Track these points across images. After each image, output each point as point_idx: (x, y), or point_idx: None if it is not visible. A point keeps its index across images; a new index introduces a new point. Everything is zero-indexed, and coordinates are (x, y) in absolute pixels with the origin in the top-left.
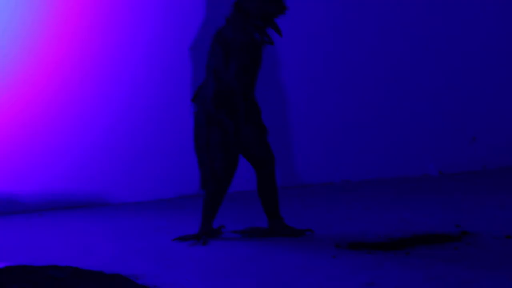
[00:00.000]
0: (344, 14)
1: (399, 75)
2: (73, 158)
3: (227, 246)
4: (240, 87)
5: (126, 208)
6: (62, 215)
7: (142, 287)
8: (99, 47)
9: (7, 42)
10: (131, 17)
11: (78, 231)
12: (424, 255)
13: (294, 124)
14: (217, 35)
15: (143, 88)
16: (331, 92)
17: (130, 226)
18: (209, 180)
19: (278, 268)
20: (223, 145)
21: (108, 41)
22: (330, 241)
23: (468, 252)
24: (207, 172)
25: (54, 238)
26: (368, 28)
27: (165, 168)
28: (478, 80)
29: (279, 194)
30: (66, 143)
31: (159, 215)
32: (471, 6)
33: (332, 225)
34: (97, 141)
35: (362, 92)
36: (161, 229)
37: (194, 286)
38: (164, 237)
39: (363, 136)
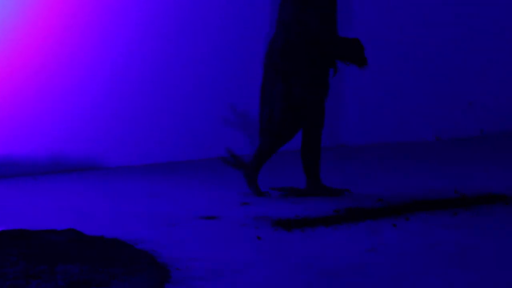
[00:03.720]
0: None
1: (396, 40)
2: (68, 122)
3: (227, 210)
4: (326, 35)
5: (120, 172)
6: (56, 179)
7: (142, 253)
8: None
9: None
10: None
11: (74, 195)
12: (424, 221)
13: None
14: None
15: (140, 52)
16: None
17: (126, 191)
18: (265, 129)
19: (275, 235)
20: (285, 98)
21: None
22: (329, 206)
23: (467, 218)
24: (265, 122)
25: (51, 202)
26: None
27: (159, 133)
28: (475, 44)
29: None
30: (61, 106)
31: (154, 179)
32: None
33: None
34: (91, 104)
35: None
36: (156, 194)
37: (193, 251)
38: (160, 202)
39: (359, 101)
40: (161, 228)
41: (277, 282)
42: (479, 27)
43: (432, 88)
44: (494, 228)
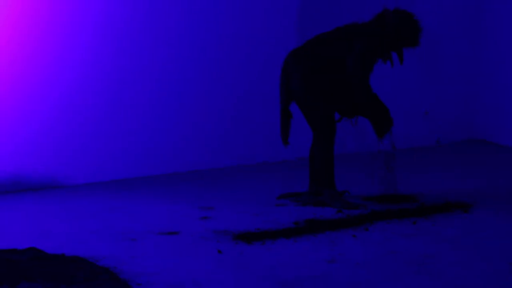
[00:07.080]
0: None
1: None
2: (23, 140)
3: (187, 224)
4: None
5: (79, 189)
6: (14, 198)
7: (103, 269)
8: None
9: None
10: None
11: (33, 214)
12: (383, 231)
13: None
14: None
15: (96, 69)
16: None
17: (85, 208)
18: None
19: (236, 248)
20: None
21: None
22: (290, 218)
23: (426, 226)
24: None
25: (9, 221)
26: None
27: (116, 150)
28: (430, 53)
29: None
30: (16, 125)
31: (113, 196)
32: None
33: (287, 202)
34: (47, 122)
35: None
36: (116, 210)
37: (154, 265)
38: (120, 218)
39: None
40: (122, 243)
41: None
42: (433, 35)
43: (388, 97)
44: (453, 236)
